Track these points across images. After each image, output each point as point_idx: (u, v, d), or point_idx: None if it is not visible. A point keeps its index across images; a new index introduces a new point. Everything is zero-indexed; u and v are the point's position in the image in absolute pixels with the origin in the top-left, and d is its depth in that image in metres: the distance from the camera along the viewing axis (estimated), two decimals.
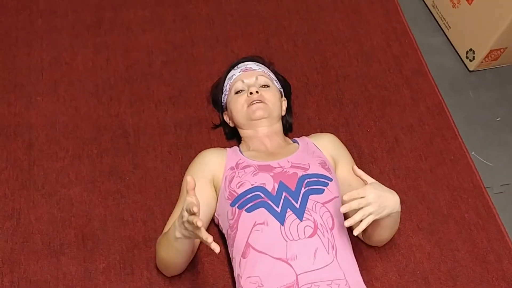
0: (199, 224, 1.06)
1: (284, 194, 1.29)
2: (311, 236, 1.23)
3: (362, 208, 1.16)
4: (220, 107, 1.63)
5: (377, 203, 1.17)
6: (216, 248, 1.07)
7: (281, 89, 1.60)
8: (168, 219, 1.40)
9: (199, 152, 1.48)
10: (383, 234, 1.39)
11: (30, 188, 1.52)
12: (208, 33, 1.91)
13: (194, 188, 1.13)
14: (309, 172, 1.34)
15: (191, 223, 1.09)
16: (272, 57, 1.86)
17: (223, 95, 1.59)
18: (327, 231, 1.25)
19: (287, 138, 1.55)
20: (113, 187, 1.54)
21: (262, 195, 1.29)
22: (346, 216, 1.41)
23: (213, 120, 1.68)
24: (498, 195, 1.67)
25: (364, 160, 1.66)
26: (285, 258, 1.21)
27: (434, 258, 1.49)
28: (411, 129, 1.76)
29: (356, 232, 1.15)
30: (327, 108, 1.77)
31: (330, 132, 1.62)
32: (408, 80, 1.87)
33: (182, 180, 1.47)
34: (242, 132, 1.53)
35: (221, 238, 1.44)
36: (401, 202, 1.28)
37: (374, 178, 1.25)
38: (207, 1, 1.99)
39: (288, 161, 1.37)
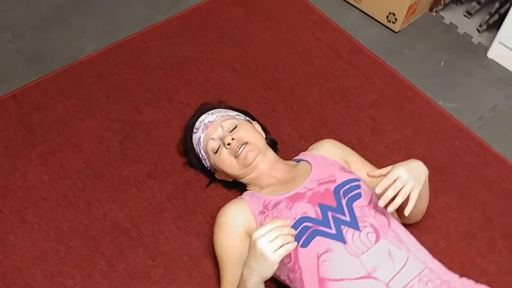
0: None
1: (329, 213, 1.24)
2: (377, 241, 1.19)
3: (400, 190, 1.15)
4: (207, 172, 1.55)
5: (412, 176, 1.17)
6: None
7: (247, 117, 1.55)
8: None
9: (207, 214, 1.38)
10: (422, 204, 1.38)
11: None
12: (148, 95, 1.79)
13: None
14: (338, 182, 1.30)
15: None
16: (219, 92, 1.81)
17: (203, 161, 1.50)
18: (387, 229, 1.22)
19: (288, 161, 1.50)
20: None
21: (310, 224, 1.22)
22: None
23: (201, 178, 1.58)
24: (480, 129, 1.75)
25: (357, 150, 1.64)
26: (366, 274, 1.15)
27: (464, 209, 1.53)
28: (379, 104, 1.79)
29: (407, 212, 1.15)
30: (298, 117, 1.75)
31: (316, 138, 1.59)
32: (351, 61, 1.91)
33: (208, 248, 1.36)
34: (245, 180, 1.44)
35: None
36: None
37: None
38: (130, 65, 1.87)
39: (312, 181, 1.32)
